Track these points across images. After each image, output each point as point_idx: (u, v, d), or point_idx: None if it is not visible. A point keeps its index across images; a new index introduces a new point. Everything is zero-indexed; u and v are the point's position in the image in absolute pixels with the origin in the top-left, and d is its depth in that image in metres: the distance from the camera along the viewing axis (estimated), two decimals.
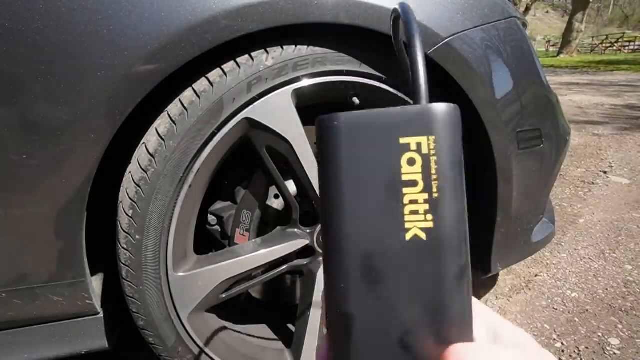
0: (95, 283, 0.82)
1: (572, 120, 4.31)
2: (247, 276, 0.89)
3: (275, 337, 1.04)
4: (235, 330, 0.99)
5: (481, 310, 0.24)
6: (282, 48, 0.75)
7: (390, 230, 0.21)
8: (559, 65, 14.63)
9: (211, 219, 0.97)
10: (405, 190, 0.21)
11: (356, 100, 0.85)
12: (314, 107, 0.88)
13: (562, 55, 21.74)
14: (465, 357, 0.20)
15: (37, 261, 0.72)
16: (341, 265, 0.21)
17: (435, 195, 0.20)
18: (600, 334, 1.24)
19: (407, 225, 0.20)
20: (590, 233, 1.87)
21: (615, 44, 30.95)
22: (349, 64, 0.79)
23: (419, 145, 0.21)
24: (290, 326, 1.07)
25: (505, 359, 0.21)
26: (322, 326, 0.95)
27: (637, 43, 29.47)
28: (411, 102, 0.24)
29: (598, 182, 2.60)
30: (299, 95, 0.78)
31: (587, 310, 1.35)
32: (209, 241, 0.99)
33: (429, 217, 0.20)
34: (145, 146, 0.73)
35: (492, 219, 0.94)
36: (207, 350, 0.87)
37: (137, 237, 0.74)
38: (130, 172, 0.74)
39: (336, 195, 0.21)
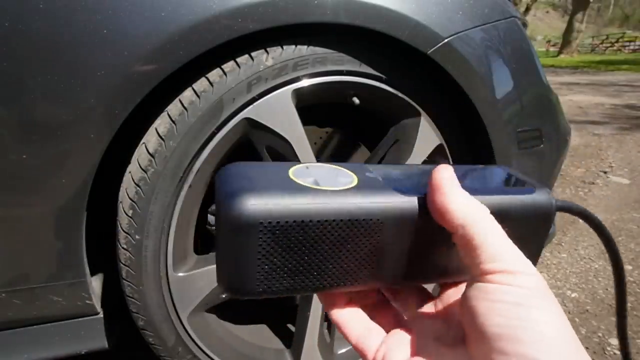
0: (95, 283, 0.82)
1: (572, 120, 4.31)
2: None
3: (275, 337, 1.04)
4: (235, 330, 0.99)
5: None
6: (282, 48, 0.75)
7: None
8: (559, 65, 14.62)
9: (211, 219, 0.97)
10: None
11: (356, 100, 0.85)
12: (314, 107, 0.88)
13: (562, 55, 21.73)
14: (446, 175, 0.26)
15: (37, 261, 0.72)
16: None
17: None
18: (600, 334, 1.24)
19: None
20: (590, 233, 1.87)
21: (616, 44, 30.94)
22: (349, 64, 0.79)
23: None
24: (290, 326, 1.07)
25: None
26: (322, 327, 0.95)
27: (637, 43, 29.45)
28: None
29: (598, 182, 2.60)
30: (299, 95, 0.78)
31: (587, 311, 1.35)
32: (209, 241, 0.99)
33: None
34: (145, 146, 0.73)
35: None
36: (207, 350, 0.87)
37: (137, 237, 0.74)
38: (130, 172, 0.74)
39: None
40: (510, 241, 0.24)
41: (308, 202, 0.23)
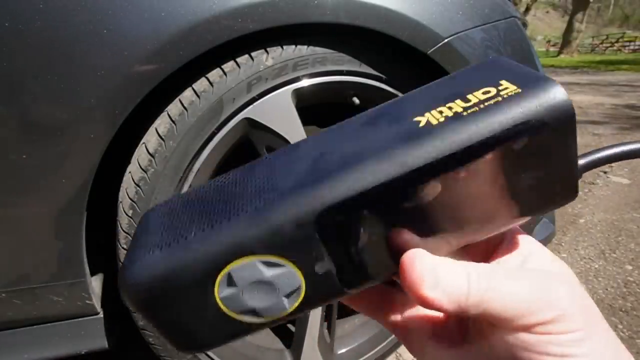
0: (95, 283, 0.82)
1: None
2: None
3: (275, 337, 1.04)
4: None
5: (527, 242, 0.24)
6: (282, 48, 0.75)
7: None
8: (560, 65, 14.62)
9: None
10: None
11: (356, 100, 0.85)
12: (314, 107, 0.88)
13: (562, 55, 21.73)
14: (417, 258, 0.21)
15: (37, 261, 0.72)
16: None
17: None
18: None
19: None
20: (590, 233, 1.87)
21: (616, 44, 30.95)
22: (349, 64, 0.79)
23: None
24: (290, 326, 1.07)
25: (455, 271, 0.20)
26: (322, 327, 0.95)
27: (637, 43, 29.45)
28: None
29: (598, 182, 2.60)
30: (298, 95, 0.78)
31: None
32: None
33: None
34: (145, 146, 0.73)
35: None
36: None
37: None
38: (130, 172, 0.74)
39: None
40: (532, 280, 0.21)
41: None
